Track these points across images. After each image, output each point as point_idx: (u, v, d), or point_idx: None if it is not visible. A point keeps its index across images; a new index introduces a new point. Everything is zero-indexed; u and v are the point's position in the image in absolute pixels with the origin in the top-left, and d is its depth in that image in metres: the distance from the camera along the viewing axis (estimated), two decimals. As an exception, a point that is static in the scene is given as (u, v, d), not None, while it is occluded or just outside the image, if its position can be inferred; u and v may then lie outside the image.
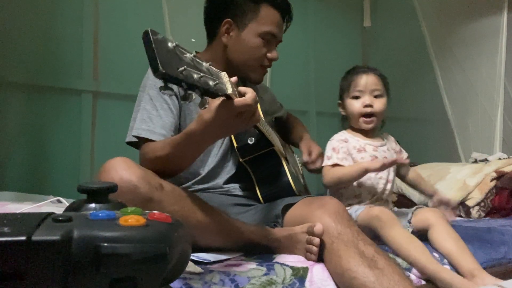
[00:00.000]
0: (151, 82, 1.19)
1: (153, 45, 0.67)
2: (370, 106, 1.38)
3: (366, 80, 1.39)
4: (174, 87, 0.73)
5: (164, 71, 0.66)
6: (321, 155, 1.40)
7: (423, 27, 2.58)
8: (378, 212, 1.20)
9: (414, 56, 2.72)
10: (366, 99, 1.38)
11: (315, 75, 2.81)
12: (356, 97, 1.40)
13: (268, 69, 1.35)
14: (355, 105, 1.39)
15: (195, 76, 0.72)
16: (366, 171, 1.28)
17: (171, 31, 2.12)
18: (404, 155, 1.50)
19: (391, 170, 1.41)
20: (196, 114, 1.21)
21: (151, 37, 0.67)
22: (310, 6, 2.83)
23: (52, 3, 1.98)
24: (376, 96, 1.39)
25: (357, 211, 1.26)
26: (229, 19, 1.24)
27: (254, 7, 1.24)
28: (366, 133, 1.43)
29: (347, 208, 1.14)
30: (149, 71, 1.22)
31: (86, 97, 2.04)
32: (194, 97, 0.75)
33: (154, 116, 1.15)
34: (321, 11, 2.85)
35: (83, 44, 2.04)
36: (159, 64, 0.66)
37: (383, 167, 1.28)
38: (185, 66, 0.70)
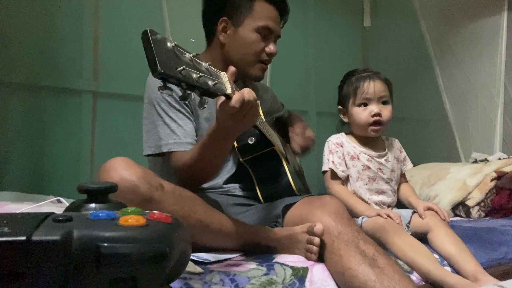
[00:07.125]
0: (157, 95, 1.20)
1: (152, 45, 0.67)
2: (379, 115, 1.34)
3: (374, 87, 1.34)
4: (174, 87, 0.73)
5: (162, 71, 0.66)
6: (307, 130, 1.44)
7: (423, 27, 2.57)
8: (383, 222, 1.19)
9: (414, 56, 2.71)
10: (374, 107, 1.34)
11: (315, 75, 2.80)
12: (363, 105, 1.35)
13: (268, 70, 1.34)
14: (363, 114, 1.35)
15: (194, 76, 0.73)
16: (361, 215, 1.27)
17: (171, 31, 2.12)
18: (409, 165, 1.47)
19: (383, 184, 1.38)
20: (206, 114, 1.24)
21: (150, 37, 0.67)
22: (310, 6, 2.82)
23: (52, 3, 1.98)
24: (383, 103, 1.36)
25: (363, 218, 1.26)
26: (225, 18, 1.26)
27: (249, 3, 1.25)
28: (367, 141, 1.39)
29: None
30: (150, 82, 1.23)
31: (86, 97, 2.04)
32: (193, 96, 0.75)
33: (175, 128, 1.18)
34: (321, 11, 2.85)
35: (83, 44, 2.04)
36: (158, 64, 0.66)
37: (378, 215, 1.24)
38: (184, 66, 0.70)
